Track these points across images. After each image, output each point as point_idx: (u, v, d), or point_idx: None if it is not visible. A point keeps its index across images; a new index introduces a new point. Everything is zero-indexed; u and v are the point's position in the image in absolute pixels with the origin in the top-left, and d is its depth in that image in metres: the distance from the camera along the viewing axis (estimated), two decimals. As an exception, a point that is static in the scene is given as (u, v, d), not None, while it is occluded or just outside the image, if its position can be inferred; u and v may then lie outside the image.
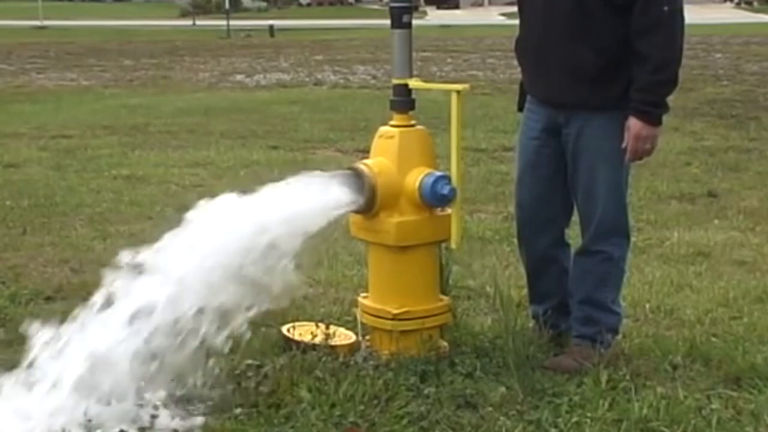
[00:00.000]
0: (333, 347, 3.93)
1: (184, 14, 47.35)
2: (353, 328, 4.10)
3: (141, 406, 3.43)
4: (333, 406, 3.48)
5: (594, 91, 3.77)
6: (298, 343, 3.97)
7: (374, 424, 3.41)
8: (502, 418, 3.45)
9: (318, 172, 3.79)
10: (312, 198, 3.68)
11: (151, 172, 8.57)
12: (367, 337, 4.00)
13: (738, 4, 50.58)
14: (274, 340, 4.04)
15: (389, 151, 3.88)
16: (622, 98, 3.73)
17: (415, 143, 3.90)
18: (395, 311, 3.87)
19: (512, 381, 3.68)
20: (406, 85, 3.94)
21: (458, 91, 3.84)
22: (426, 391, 3.61)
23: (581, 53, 3.74)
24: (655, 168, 8.11)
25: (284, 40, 29.19)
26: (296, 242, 3.58)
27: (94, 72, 19.71)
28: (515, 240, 4.27)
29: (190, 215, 3.58)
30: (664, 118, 3.78)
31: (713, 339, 4.24)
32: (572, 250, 4.08)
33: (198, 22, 41.02)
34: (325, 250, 5.26)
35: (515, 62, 4.10)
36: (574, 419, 3.43)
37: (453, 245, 3.92)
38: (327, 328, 4.04)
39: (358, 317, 4.04)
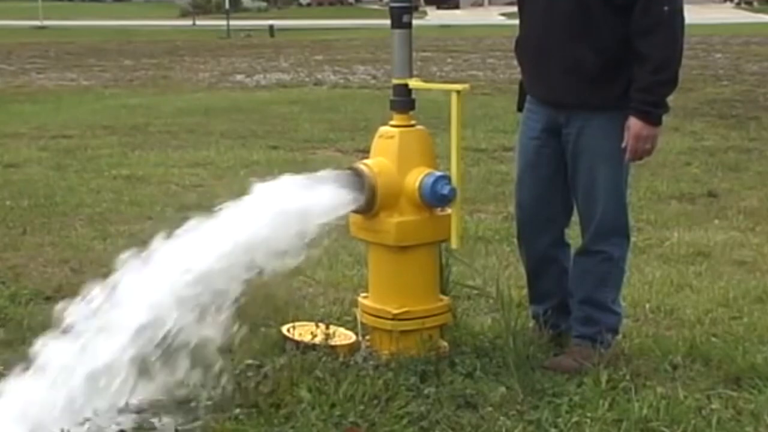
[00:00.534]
0: (333, 347, 3.93)
1: (184, 14, 47.35)
2: (353, 328, 4.10)
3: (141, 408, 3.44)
4: (333, 406, 3.48)
5: (594, 91, 3.77)
6: (298, 343, 3.97)
7: (374, 424, 3.40)
8: (502, 418, 3.45)
9: (318, 172, 3.79)
10: (312, 198, 3.67)
11: (151, 172, 8.57)
12: (367, 337, 4.00)
13: (738, 4, 50.58)
14: (274, 340, 4.04)
15: (389, 151, 3.87)
16: (622, 98, 3.73)
17: (415, 143, 3.90)
18: (395, 311, 3.87)
19: (512, 381, 3.68)
20: (406, 85, 3.94)
21: (458, 91, 3.84)
22: (426, 391, 3.61)
23: (581, 53, 3.74)
24: (655, 168, 8.11)
25: (284, 40, 29.19)
26: (296, 242, 3.58)
27: (94, 72, 19.71)
28: (515, 240, 4.27)
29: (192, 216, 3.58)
30: (664, 118, 3.78)
31: (713, 339, 4.24)
32: (572, 250, 4.08)
33: (198, 22, 41.03)
34: (325, 250, 5.26)
35: (515, 62, 4.10)
36: (574, 419, 3.43)
37: (453, 245, 3.92)
38: (327, 328, 4.04)
39: (358, 317, 4.03)
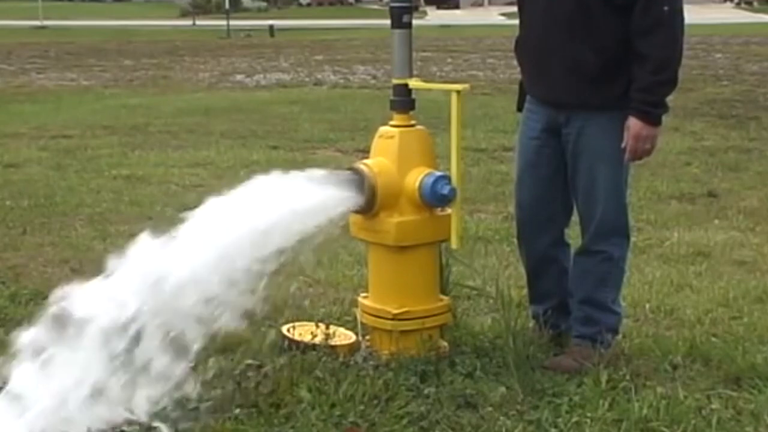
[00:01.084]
0: (333, 347, 3.93)
1: (184, 14, 47.38)
2: (353, 328, 4.10)
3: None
4: (333, 406, 3.48)
5: (594, 91, 3.77)
6: (298, 343, 3.97)
7: (374, 424, 3.41)
8: (502, 418, 3.45)
9: (318, 172, 3.78)
10: (311, 198, 3.67)
11: (151, 172, 8.57)
12: (367, 337, 4.00)
13: (738, 4, 50.59)
14: (274, 340, 4.04)
15: (389, 151, 3.87)
16: (623, 98, 3.73)
17: (415, 143, 3.90)
18: (395, 311, 3.87)
19: (512, 381, 3.68)
20: (406, 85, 3.94)
21: (458, 91, 3.84)
22: (426, 391, 3.61)
23: (581, 53, 3.74)
24: (655, 168, 8.11)
25: (284, 40, 29.20)
26: (295, 242, 3.58)
27: (94, 72, 19.72)
28: (515, 240, 4.27)
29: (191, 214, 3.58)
30: (664, 118, 3.78)
31: (713, 339, 4.24)
32: (572, 250, 4.08)
33: (198, 22, 41.04)
34: (324, 250, 5.26)
35: (515, 62, 4.10)
36: (574, 419, 3.43)
37: (453, 245, 3.92)
38: (327, 328, 4.04)
39: (358, 317, 4.03)
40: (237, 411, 3.46)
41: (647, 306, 4.73)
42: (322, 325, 4.05)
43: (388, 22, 3.98)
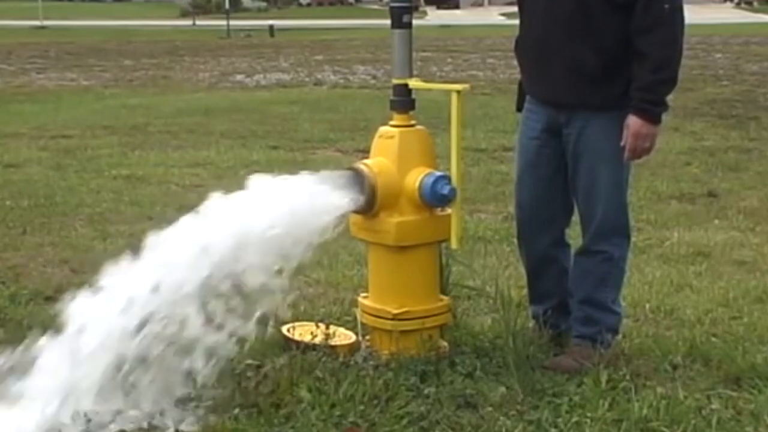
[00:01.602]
0: (333, 347, 3.93)
1: (184, 14, 47.39)
2: (353, 328, 4.10)
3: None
4: (333, 406, 3.48)
5: (595, 91, 3.77)
6: (298, 343, 3.97)
7: (374, 424, 3.40)
8: (502, 418, 3.45)
9: (318, 172, 3.79)
10: (311, 198, 3.67)
11: (151, 172, 8.57)
12: (367, 337, 4.00)
13: (738, 4, 50.59)
14: (274, 340, 4.04)
15: (389, 151, 3.87)
16: (623, 98, 3.73)
17: (415, 143, 3.90)
18: (395, 311, 3.87)
19: (512, 381, 3.68)
20: (406, 85, 3.94)
21: (458, 91, 3.84)
22: (426, 391, 3.61)
23: (582, 53, 3.74)
24: (655, 168, 8.12)
25: (284, 40, 29.20)
26: (295, 243, 3.57)
27: (94, 72, 19.72)
28: (515, 240, 4.27)
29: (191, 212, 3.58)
30: (664, 117, 3.78)
31: (713, 339, 4.24)
32: (572, 250, 4.08)
33: (198, 22, 41.05)
34: (324, 250, 5.26)
35: (515, 62, 4.10)
36: (574, 419, 3.43)
37: (453, 245, 3.92)
38: (327, 328, 4.04)
39: (358, 317, 4.03)
40: (237, 411, 3.46)
41: (647, 306, 4.73)
42: (322, 325, 4.05)
43: (388, 22, 3.98)
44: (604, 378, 3.68)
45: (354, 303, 4.22)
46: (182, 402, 3.51)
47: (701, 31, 25.43)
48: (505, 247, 5.74)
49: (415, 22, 4.03)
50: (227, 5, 35.51)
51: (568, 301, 4.06)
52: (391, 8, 3.93)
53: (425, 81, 4.12)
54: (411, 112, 3.96)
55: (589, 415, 3.45)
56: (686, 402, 3.55)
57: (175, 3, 52.50)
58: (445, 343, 3.99)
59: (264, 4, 55.06)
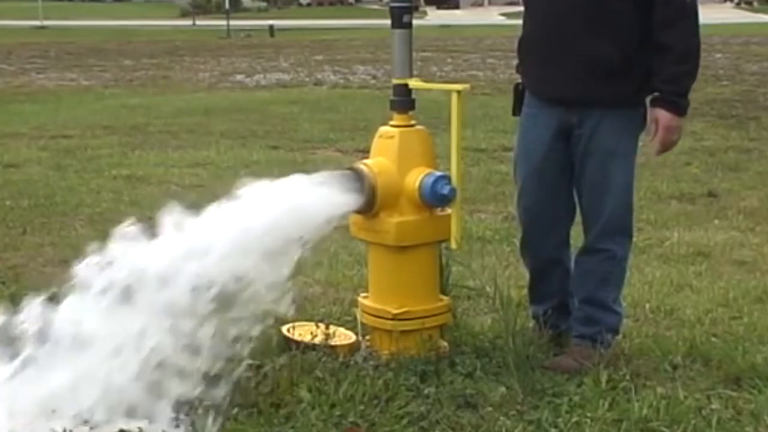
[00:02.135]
0: (333, 347, 3.93)
1: (184, 14, 47.42)
2: (353, 328, 4.10)
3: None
4: (333, 406, 3.48)
5: (610, 87, 3.72)
6: (298, 343, 3.97)
7: (374, 424, 3.40)
8: (502, 418, 3.45)
9: (318, 172, 3.78)
10: (311, 198, 3.67)
11: (151, 172, 8.57)
12: (367, 337, 4.00)
13: (738, 4, 50.62)
14: (274, 340, 4.04)
15: (389, 151, 3.87)
16: (635, 96, 3.72)
17: (415, 143, 3.90)
18: (395, 311, 3.87)
19: (512, 381, 3.68)
20: (406, 85, 3.93)
21: (458, 91, 3.83)
22: (426, 391, 3.60)
23: (601, 46, 3.69)
24: (655, 168, 8.11)
25: (284, 40, 29.20)
26: (295, 243, 3.57)
27: (94, 72, 19.72)
28: (516, 241, 4.26)
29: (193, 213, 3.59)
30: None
31: (713, 339, 4.24)
32: (573, 251, 4.08)
33: (198, 22, 41.07)
34: (325, 250, 5.26)
35: (515, 62, 4.08)
36: (574, 419, 3.43)
37: (453, 245, 3.92)
38: (327, 328, 4.04)
39: (358, 317, 4.03)
40: (237, 411, 3.46)
41: (647, 306, 4.73)
42: (322, 325, 4.05)
43: (388, 22, 3.98)
44: (604, 378, 3.68)
45: (354, 303, 4.22)
46: (182, 402, 3.50)
47: (701, 31, 25.22)
48: (505, 247, 5.75)
49: (415, 22, 4.03)
50: (227, 5, 35.52)
51: (568, 301, 4.05)
52: (391, 8, 3.93)
53: (425, 81, 4.12)
54: (411, 112, 3.95)
55: (589, 415, 3.45)
56: (686, 402, 3.55)
57: (175, 3, 52.51)
58: (445, 343, 3.99)
59: (264, 4, 55.09)
